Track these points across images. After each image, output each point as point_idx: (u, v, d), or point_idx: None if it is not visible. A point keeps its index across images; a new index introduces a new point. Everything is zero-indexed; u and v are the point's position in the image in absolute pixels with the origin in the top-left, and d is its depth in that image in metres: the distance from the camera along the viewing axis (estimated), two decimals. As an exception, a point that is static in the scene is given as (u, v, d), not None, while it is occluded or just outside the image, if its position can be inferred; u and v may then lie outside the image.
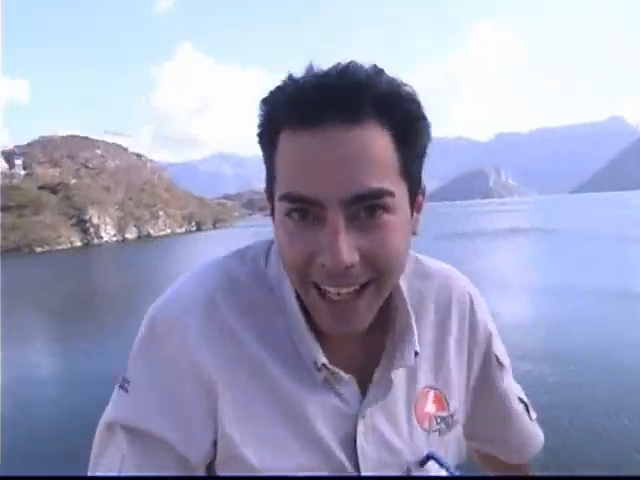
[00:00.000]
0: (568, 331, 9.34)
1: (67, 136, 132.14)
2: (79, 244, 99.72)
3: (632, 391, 6.24)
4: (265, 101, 0.63)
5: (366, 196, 0.59)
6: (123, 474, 0.65)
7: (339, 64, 0.61)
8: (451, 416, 0.78)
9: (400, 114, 0.61)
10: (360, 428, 0.71)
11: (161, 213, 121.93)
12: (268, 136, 0.64)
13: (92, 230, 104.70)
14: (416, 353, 0.72)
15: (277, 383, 0.69)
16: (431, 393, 0.77)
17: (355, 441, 0.70)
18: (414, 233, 0.69)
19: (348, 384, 0.71)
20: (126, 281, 30.99)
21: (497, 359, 0.85)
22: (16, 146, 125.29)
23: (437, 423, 0.76)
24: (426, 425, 0.76)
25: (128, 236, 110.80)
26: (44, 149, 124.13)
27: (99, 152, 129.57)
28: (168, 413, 0.67)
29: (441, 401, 0.77)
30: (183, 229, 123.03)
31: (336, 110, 0.58)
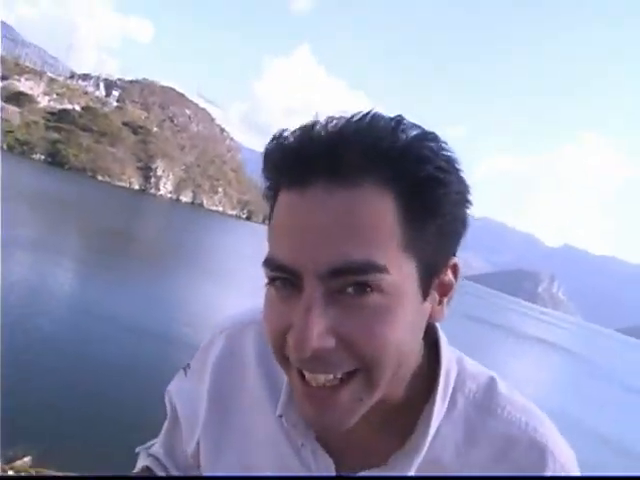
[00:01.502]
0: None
1: (165, 87, 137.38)
2: (136, 187, 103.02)
3: None
4: (265, 157, 0.56)
5: (345, 270, 0.49)
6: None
7: (353, 116, 0.52)
8: None
9: (409, 176, 0.51)
10: None
11: (220, 190, 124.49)
12: (270, 194, 0.57)
13: (153, 180, 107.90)
14: None
15: (254, 428, 0.69)
16: None
17: None
18: (434, 321, 0.58)
19: (324, 462, 0.64)
20: (173, 239, 31.59)
21: None
22: (119, 79, 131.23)
23: None
24: None
25: (182, 198, 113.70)
26: (141, 91, 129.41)
27: (188, 112, 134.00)
28: (189, 403, 0.77)
29: None
30: (234, 212, 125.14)
31: (326, 169, 0.50)
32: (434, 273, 0.55)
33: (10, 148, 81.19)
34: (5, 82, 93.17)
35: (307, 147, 0.51)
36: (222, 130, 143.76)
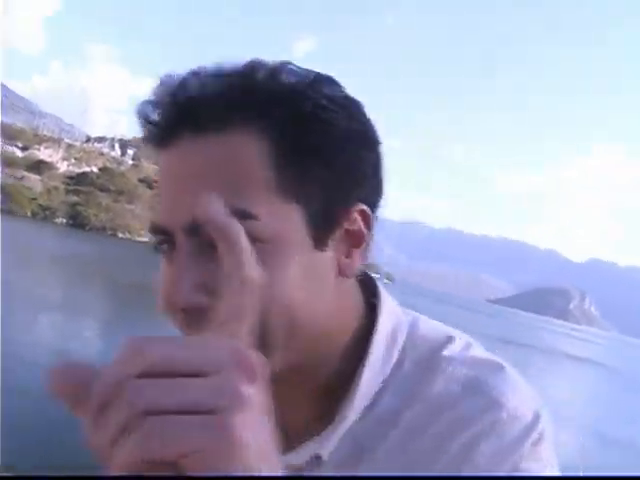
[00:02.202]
0: None
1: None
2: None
3: None
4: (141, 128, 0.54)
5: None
6: None
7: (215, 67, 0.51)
8: None
9: (285, 117, 0.48)
10: None
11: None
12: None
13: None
14: (317, 457, 0.53)
15: None
16: None
17: None
18: (345, 275, 0.52)
19: None
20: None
21: None
22: (133, 137, 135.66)
23: None
24: None
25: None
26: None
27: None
28: None
29: None
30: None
31: (188, 122, 0.48)
32: (330, 220, 0.50)
33: (33, 215, 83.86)
34: (26, 152, 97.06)
35: (171, 104, 0.50)
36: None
